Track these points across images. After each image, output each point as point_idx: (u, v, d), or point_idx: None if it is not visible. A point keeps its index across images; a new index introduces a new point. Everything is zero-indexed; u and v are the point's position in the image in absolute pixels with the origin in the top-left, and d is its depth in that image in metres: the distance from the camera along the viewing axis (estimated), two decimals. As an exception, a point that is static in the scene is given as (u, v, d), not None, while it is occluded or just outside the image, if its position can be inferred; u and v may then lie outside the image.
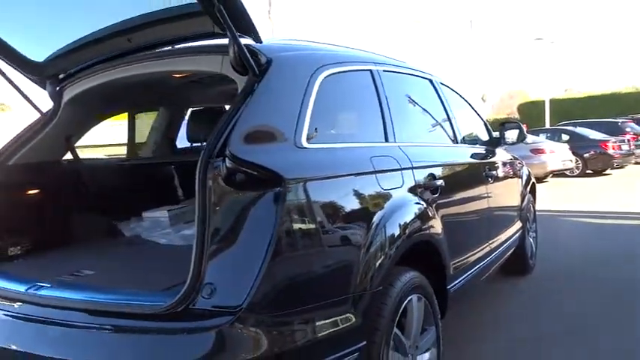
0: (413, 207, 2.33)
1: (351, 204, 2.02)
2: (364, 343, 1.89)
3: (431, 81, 3.40)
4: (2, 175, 2.53)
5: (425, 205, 2.44)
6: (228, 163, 1.69)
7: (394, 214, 2.18)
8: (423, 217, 2.38)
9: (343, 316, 1.83)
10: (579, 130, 15.19)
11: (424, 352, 2.35)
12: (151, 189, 3.29)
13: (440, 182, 2.63)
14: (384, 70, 2.73)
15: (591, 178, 13.67)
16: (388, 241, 2.08)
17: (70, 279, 2.09)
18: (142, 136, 3.71)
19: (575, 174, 14.04)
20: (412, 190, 2.40)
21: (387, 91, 2.63)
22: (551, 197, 9.89)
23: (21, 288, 2.01)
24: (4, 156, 2.58)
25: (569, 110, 25.15)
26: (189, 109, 3.66)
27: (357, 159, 2.18)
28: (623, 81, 40.14)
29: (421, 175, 2.54)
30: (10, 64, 2.62)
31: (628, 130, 15.74)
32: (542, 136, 14.53)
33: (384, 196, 2.19)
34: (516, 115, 29.24)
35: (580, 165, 14.14)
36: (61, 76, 2.73)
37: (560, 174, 13.60)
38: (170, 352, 1.59)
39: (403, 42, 38.15)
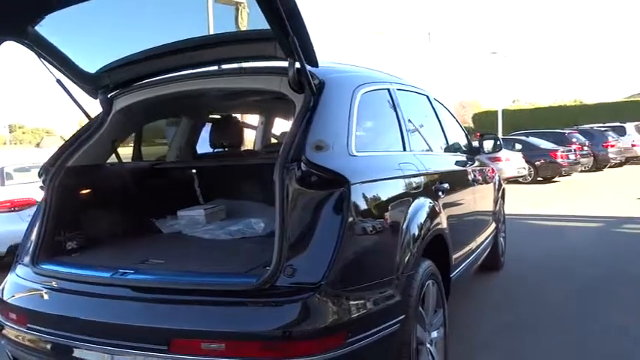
0: (431, 206, 2.78)
1: (391, 202, 2.45)
2: (403, 316, 2.31)
3: (427, 97, 3.89)
4: (62, 176, 2.79)
5: (438, 205, 2.90)
6: (303, 167, 2.07)
7: (420, 211, 2.63)
8: (437, 214, 2.84)
9: (390, 293, 2.24)
10: (531, 139, 16.25)
11: (435, 330, 2.79)
12: (182, 189, 3.60)
13: (446, 185, 3.10)
14: (397, 89, 3.19)
15: (542, 184, 14.69)
16: (418, 233, 2.52)
17: (145, 266, 2.40)
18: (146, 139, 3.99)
19: (528, 181, 15.04)
20: (428, 191, 2.86)
21: (401, 106, 3.08)
22: (508, 202, 10.66)
23: (104, 274, 2.31)
24: (61, 159, 2.84)
25: (519, 120, 26.58)
26: (213, 118, 4.00)
27: (390, 165, 2.62)
28: (568, 94, 42.44)
29: (433, 179, 3.00)
30: (67, 76, 2.89)
31: (574, 140, 16.96)
32: (497, 145, 15.45)
33: (412, 196, 2.64)
34: (470, 125, 30.58)
35: (532, 172, 15.15)
36: (112, 86, 3.01)
37: (514, 181, 14.53)
38: (263, 320, 1.95)
39: (365, 52, 39.20)
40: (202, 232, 3.04)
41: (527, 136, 16.77)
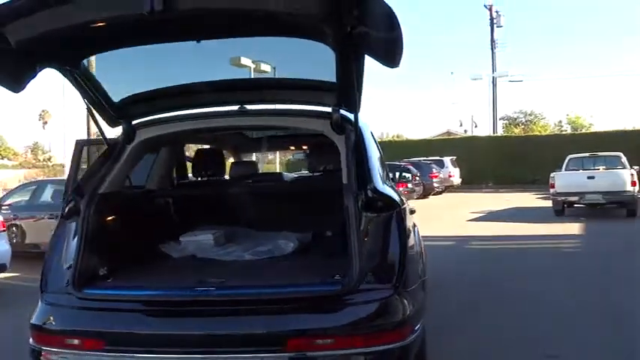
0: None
1: (409, 222, 3.09)
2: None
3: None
4: (96, 203, 2.86)
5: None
6: (369, 194, 2.63)
7: (415, 228, 3.33)
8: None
9: (423, 292, 2.88)
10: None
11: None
12: (182, 216, 3.76)
13: (413, 208, 3.87)
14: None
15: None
16: (422, 245, 3.22)
17: (217, 283, 2.65)
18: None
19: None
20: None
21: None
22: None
23: (186, 292, 2.52)
24: (92, 186, 2.90)
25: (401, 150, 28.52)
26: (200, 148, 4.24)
27: (399, 193, 3.28)
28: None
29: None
30: (96, 104, 2.97)
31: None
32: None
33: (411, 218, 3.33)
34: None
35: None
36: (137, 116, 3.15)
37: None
38: (362, 317, 2.42)
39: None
40: (223, 254, 3.29)
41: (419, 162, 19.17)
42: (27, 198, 9.54)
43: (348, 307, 2.45)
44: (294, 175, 5.12)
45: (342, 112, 2.98)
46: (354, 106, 2.81)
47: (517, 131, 31.27)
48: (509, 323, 4.68)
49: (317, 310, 2.45)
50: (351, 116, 3.03)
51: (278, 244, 3.28)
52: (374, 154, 3.06)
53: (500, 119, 32.70)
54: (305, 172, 5.39)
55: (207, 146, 4.32)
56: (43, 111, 56.11)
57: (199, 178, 4.03)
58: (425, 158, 22.60)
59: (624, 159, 13.92)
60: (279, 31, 2.50)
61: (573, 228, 11.38)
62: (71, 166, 4.89)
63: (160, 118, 3.17)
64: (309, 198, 3.67)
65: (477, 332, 4.45)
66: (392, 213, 2.68)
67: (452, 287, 5.85)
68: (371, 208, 2.63)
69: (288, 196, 3.83)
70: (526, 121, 33.78)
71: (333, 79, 2.78)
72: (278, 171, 7.14)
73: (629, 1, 58.94)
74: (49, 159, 42.76)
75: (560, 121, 32.92)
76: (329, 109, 2.97)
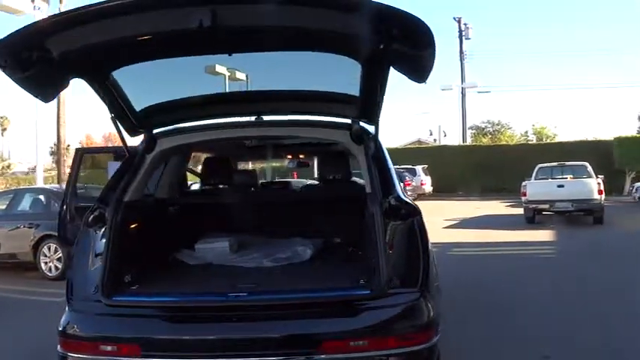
0: None
1: None
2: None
3: None
4: (122, 211, 2.89)
5: None
6: (393, 202, 2.75)
7: None
8: None
9: (438, 296, 3.01)
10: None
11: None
12: (196, 223, 3.81)
13: None
14: None
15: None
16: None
17: (248, 288, 2.72)
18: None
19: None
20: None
21: None
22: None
23: (219, 298, 2.59)
24: (117, 194, 2.93)
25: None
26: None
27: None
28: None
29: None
30: (120, 112, 3.00)
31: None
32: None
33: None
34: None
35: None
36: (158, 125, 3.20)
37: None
38: (393, 319, 2.53)
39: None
40: (241, 261, 3.36)
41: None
42: (3, 207, 9.27)
43: (379, 310, 2.56)
44: (305, 182, 5.21)
45: (362, 123, 3.11)
46: (376, 119, 2.93)
47: (485, 141, 32.13)
48: (509, 321, 4.93)
49: (350, 313, 2.55)
50: (369, 127, 3.17)
51: (297, 251, 3.37)
52: (391, 164, 3.20)
53: (468, 129, 33.58)
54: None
55: (216, 155, 4.37)
56: (1, 117, 54.47)
57: (205, 187, 4.09)
58: (397, 167, 22.97)
59: (590, 168, 14.53)
60: (310, 45, 2.59)
61: (546, 235, 11.82)
62: (70, 173, 4.89)
63: (180, 128, 3.23)
64: (318, 206, 3.78)
65: (485, 328, 4.64)
66: (414, 220, 2.82)
67: (451, 290, 6.05)
68: (395, 215, 2.76)
69: (298, 203, 3.93)
70: (493, 131, 34.77)
71: (354, 92, 2.91)
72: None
73: (589, 18, 61.82)
74: (8, 166, 41.45)
75: (526, 131, 34.06)
76: (348, 121, 3.09)
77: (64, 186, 12.11)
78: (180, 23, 2.19)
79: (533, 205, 13.79)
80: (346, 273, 2.96)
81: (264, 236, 3.76)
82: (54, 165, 29.51)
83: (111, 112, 2.95)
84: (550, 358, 4.21)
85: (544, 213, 13.91)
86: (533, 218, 13.94)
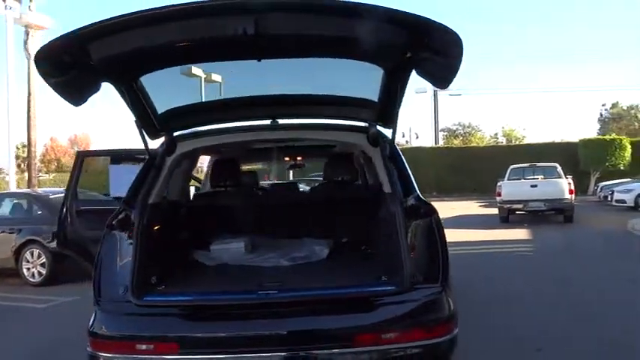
0: None
1: None
2: None
3: None
4: (148, 213, 2.94)
5: None
6: (413, 201, 2.90)
7: None
8: None
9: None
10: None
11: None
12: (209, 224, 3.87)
13: None
14: None
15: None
16: None
17: (275, 286, 2.81)
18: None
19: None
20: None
21: None
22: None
23: (249, 295, 2.67)
24: (141, 196, 2.98)
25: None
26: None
27: None
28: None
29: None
30: (145, 116, 3.05)
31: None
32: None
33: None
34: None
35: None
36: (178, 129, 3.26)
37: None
38: (421, 312, 2.66)
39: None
40: (259, 261, 3.44)
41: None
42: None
43: (405, 305, 2.69)
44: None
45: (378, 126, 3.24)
46: (394, 123, 3.07)
47: (457, 142, 32.91)
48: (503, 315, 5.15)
49: (379, 308, 2.67)
50: (384, 130, 3.30)
51: (314, 250, 3.47)
52: (407, 165, 3.33)
53: (440, 131, 34.27)
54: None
55: (229, 157, 4.43)
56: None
57: (216, 189, 4.15)
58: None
59: (560, 169, 15.09)
60: (339, 53, 2.70)
61: (521, 233, 12.22)
62: (71, 176, 4.88)
63: (200, 131, 3.30)
64: (329, 206, 3.89)
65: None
66: (432, 218, 2.96)
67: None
68: (415, 214, 2.89)
69: (309, 204, 4.03)
70: (464, 133, 35.64)
71: (372, 96, 3.03)
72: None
73: (556, 23, 63.84)
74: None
75: (496, 134, 35.13)
76: (364, 124, 3.22)
77: (39, 190, 11.88)
78: (222, 31, 2.27)
79: (508, 205, 14.24)
80: (365, 271, 3.08)
81: (275, 237, 3.84)
82: (16, 169, 28.52)
83: (135, 116, 3.00)
84: (542, 350, 4.44)
85: (517, 212, 14.39)
86: (507, 218, 14.39)
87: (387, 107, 3.02)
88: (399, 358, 2.61)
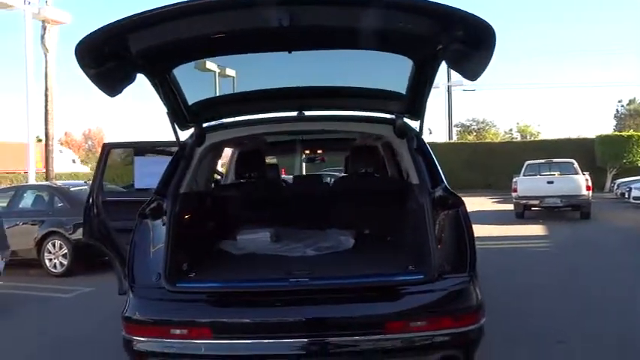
0: None
1: None
2: None
3: None
4: (180, 202, 3.01)
5: None
6: (442, 192, 2.92)
7: None
8: None
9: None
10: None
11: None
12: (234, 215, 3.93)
13: None
14: None
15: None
16: None
17: (304, 274, 2.85)
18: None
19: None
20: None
21: None
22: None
23: (281, 283, 2.73)
24: (173, 186, 3.05)
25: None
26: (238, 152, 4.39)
27: None
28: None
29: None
30: (176, 108, 3.11)
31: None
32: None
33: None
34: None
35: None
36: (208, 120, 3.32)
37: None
38: (449, 301, 2.70)
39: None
40: (285, 250, 3.49)
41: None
42: (4, 204, 9.17)
43: (434, 293, 2.72)
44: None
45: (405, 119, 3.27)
46: (421, 115, 3.09)
47: (470, 138, 32.71)
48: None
49: (408, 297, 2.71)
50: (410, 122, 3.33)
51: (340, 240, 3.51)
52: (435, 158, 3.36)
53: (454, 126, 34.12)
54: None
55: (250, 149, 4.48)
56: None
57: (241, 180, 4.21)
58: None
59: (576, 165, 14.95)
60: (371, 45, 2.72)
61: (538, 229, 12.16)
62: (97, 167, 4.96)
63: (228, 123, 3.35)
64: (353, 198, 3.93)
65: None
66: (459, 209, 2.98)
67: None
68: (443, 205, 2.92)
69: (333, 196, 4.07)
70: (478, 129, 35.44)
71: (400, 88, 3.06)
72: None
73: (571, 20, 63.00)
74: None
75: (511, 129, 34.89)
76: (391, 116, 3.25)
77: (58, 182, 12.03)
78: (259, 22, 2.31)
79: (524, 201, 14.14)
80: (391, 260, 3.11)
81: (300, 228, 3.89)
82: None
83: (166, 107, 3.06)
84: (564, 343, 4.45)
85: (533, 209, 14.29)
86: (522, 214, 14.29)
87: (414, 99, 3.04)
88: (427, 346, 2.65)
